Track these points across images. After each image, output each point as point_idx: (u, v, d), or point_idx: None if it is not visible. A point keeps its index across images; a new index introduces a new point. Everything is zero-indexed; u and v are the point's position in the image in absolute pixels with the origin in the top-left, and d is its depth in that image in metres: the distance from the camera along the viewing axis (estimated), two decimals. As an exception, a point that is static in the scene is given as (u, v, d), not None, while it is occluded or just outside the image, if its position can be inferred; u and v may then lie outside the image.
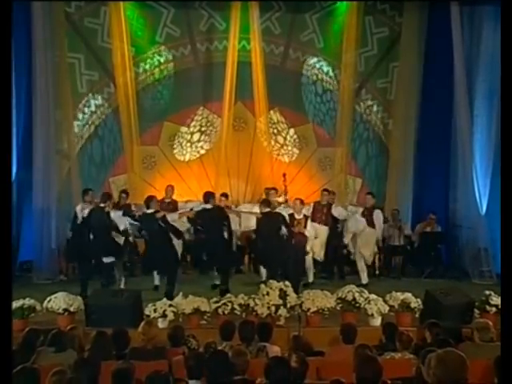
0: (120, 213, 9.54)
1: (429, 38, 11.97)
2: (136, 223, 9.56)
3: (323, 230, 10.34)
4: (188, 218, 9.68)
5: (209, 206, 9.37)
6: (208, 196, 9.51)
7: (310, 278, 10.07)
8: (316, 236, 10.02)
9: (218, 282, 9.49)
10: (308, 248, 9.80)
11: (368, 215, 10.29)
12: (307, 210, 10.15)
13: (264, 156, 12.52)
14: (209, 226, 9.31)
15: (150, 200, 9.36)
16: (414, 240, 11.60)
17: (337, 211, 10.52)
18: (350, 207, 10.92)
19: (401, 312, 7.65)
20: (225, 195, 10.52)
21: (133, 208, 10.54)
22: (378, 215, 10.36)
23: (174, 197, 11.34)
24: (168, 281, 8.97)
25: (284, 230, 9.31)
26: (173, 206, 10.75)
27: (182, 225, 9.85)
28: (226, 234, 9.47)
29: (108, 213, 9.29)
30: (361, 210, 10.54)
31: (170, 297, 8.00)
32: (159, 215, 9.20)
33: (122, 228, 9.41)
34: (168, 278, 9.03)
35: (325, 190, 10.86)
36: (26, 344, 5.60)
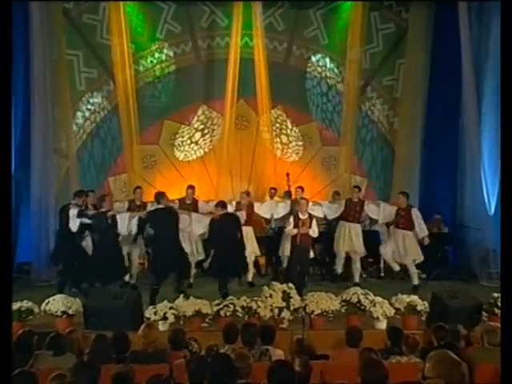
0: (74, 212, 9.22)
1: (436, 34, 11.97)
2: (88, 222, 9.22)
3: (357, 228, 10.40)
4: (139, 218, 9.30)
5: (161, 206, 9.01)
6: (159, 196, 9.12)
7: (356, 279, 10.31)
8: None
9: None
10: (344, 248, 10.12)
11: (404, 216, 10.16)
12: (339, 208, 10.37)
13: (267, 155, 12.53)
14: (161, 227, 8.90)
15: (102, 198, 9.36)
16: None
17: (371, 209, 10.52)
18: (382, 204, 10.76)
19: (407, 315, 7.65)
20: (247, 193, 10.52)
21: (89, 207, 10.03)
22: (416, 213, 10.21)
23: (194, 196, 10.81)
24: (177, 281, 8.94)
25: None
26: (193, 207, 10.35)
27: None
28: (180, 237, 9.15)
29: (68, 212, 9.17)
30: (395, 207, 10.42)
31: None
32: (110, 214, 9.15)
33: (72, 229, 9.19)
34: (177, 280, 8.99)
35: (355, 186, 10.96)
36: (21, 347, 5.58)
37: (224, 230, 8.98)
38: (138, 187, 10.79)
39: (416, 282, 10.06)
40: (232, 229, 9.06)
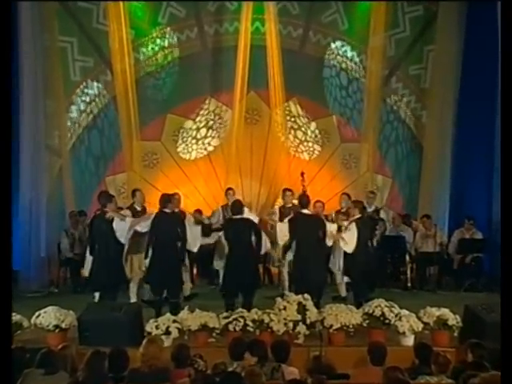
0: (198, 229, 9.17)
1: (469, 18, 11.90)
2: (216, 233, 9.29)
3: None
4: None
5: (306, 212, 9.04)
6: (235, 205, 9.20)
7: None
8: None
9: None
10: None
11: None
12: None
13: (280, 152, 12.53)
14: (305, 237, 8.94)
15: (240, 205, 9.11)
16: (451, 248, 11.52)
17: None
18: None
19: (437, 330, 7.58)
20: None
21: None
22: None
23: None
24: (245, 301, 8.65)
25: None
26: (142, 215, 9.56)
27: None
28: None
29: (183, 221, 8.87)
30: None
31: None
32: (254, 220, 9.02)
33: (194, 250, 9.13)
34: (246, 298, 8.76)
35: (287, 189, 10.71)
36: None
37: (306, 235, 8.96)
38: (137, 190, 10.29)
39: (343, 293, 9.74)
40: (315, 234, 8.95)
